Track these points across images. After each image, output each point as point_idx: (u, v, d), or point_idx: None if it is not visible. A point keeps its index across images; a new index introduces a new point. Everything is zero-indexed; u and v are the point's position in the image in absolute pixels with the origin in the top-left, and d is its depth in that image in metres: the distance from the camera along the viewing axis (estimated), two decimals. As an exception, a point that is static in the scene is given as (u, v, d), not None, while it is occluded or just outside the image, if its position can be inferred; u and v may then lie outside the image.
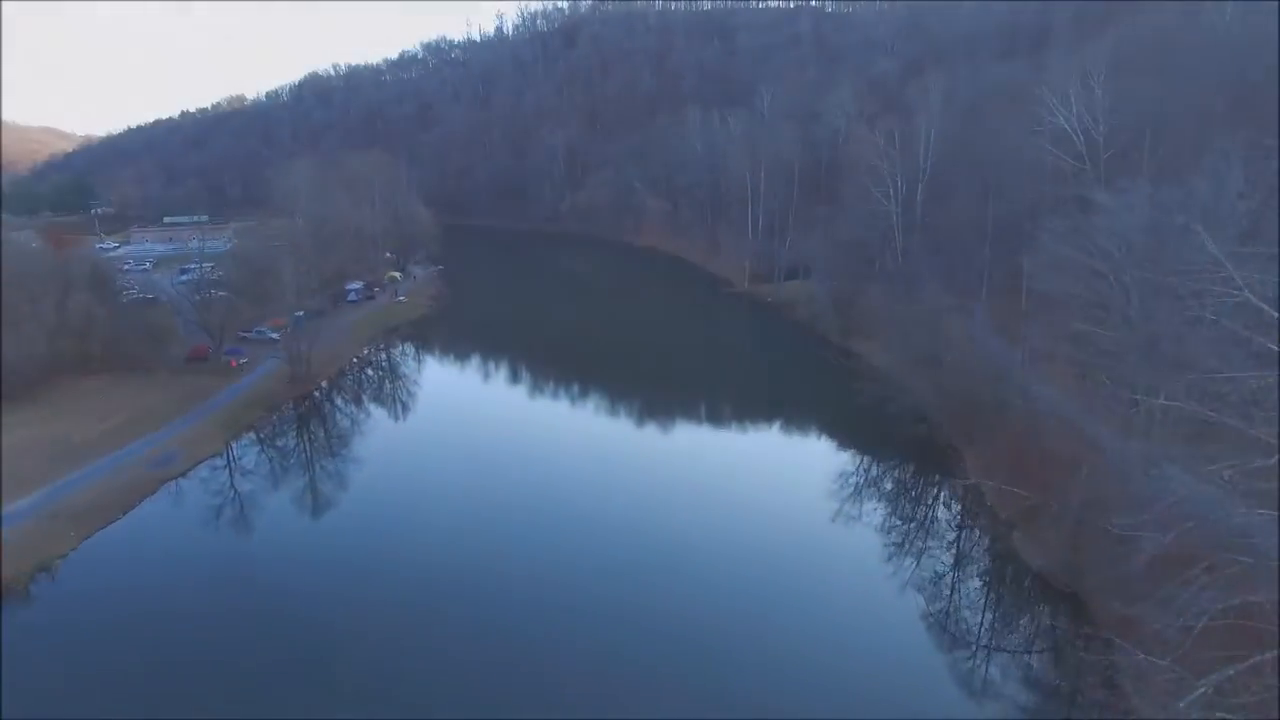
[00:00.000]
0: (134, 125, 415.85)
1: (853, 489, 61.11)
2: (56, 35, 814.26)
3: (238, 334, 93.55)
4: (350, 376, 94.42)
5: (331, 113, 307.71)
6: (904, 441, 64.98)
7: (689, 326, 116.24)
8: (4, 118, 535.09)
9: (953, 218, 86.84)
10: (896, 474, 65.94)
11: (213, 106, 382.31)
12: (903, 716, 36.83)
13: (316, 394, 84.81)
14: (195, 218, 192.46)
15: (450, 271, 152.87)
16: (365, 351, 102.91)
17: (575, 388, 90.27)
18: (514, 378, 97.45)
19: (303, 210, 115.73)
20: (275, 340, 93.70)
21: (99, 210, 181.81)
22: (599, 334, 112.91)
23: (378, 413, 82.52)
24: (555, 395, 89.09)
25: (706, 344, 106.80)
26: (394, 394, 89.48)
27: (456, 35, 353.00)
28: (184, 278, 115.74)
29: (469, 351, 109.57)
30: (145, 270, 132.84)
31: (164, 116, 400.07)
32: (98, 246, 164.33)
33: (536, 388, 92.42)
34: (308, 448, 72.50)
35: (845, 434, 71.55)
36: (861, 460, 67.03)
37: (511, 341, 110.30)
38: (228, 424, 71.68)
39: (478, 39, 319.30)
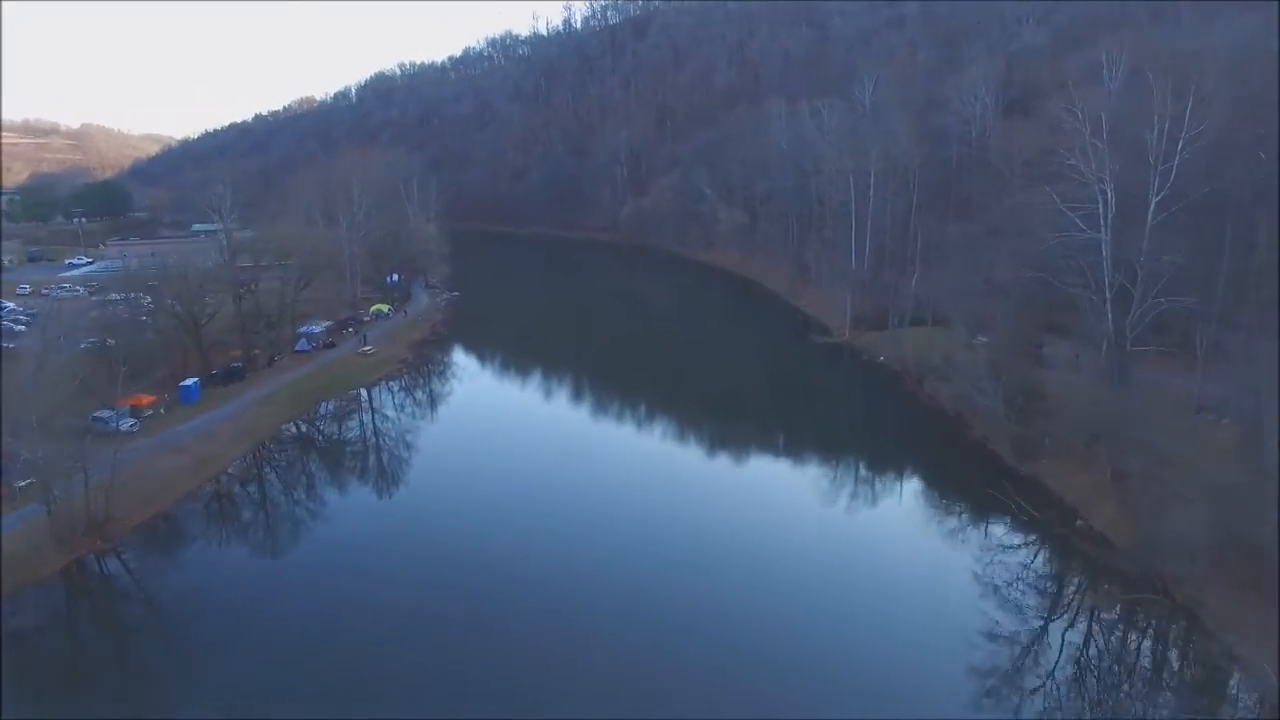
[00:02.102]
0: (209, 129, 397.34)
1: None
2: (146, 41, 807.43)
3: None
4: (199, 511, 52.56)
5: (390, 111, 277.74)
6: None
7: (764, 403, 75.02)
8: (108, 125, 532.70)
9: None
10: None
11: (284, 109, 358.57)
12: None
13: (111, 554, 46.69)
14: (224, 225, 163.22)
15: (467, 299, 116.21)
16: (255, 454, 61.69)
17: (579, 533, 50.72)
18: (479, 507, 52.22)
19: (226, 227, 79.89)
20: (130, 433, 58.88)
21: (81, 220, 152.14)
22: (631, 418, 73.59)
23: (207, 596, 42.82)
24: (538, 555, 45.76)
25: (787, 441, 65.71)
26: (262, 547, 49.00)
27: (524, 31, 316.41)
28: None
29: (422, 452, 63.89)
30: (76, 296, 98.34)
31: (237, 120, 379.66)
32: (68, 262, 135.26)
33: (514, 535, 47.92)
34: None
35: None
36: None
37: (497, 429, 70.44)
38: None
39: (544, 33, 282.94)
